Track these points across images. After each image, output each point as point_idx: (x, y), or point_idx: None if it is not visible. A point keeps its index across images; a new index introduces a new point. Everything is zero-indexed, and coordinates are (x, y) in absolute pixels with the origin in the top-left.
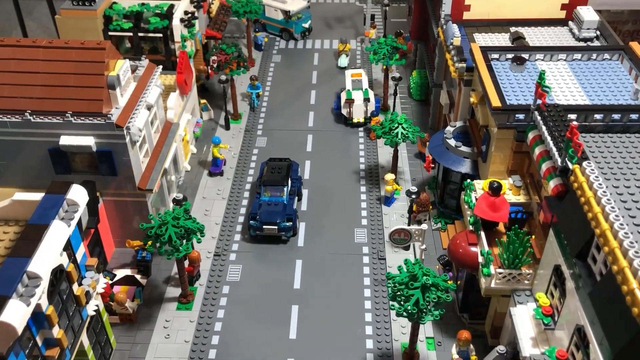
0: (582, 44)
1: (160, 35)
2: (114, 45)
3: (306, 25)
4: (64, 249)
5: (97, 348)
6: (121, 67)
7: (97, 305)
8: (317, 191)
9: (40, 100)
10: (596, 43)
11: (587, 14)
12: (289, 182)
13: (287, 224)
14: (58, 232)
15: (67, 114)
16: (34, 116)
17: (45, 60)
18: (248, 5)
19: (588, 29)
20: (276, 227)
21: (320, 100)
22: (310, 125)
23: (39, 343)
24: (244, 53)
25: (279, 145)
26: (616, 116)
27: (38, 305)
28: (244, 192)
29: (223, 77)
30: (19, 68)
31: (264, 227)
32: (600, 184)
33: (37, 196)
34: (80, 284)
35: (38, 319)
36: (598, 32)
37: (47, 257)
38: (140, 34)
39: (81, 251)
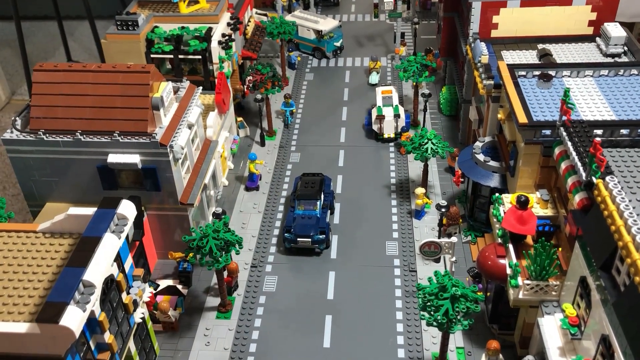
0: (609, 59)
1: (200, 57)
2: (155, 66)
3: (338, 44)
4: (114, 260)
5: (143, 354)
6: (164, 89)
7: (143, 313)
8: (349, 205)
9: (90, 120)
10: (623, 59)
11: (614, 30)
12: (322, 196)
13: (321, 236)
14: (109, 244)
15: (114, 134)
16: (84, 136)
17: (94, 83)
18: (282, 27)
19: (615, 45)
20: (310, 239)
21: (352, 117)
22: (342, 141)
23: (92, 347)
24: (278, 72)
25: (312, 161)
26: None
27: (92, 312)
28: (278, 206)
29: (259, 96)
30: (70, 91)
31: (298, 239)
32: (622, 198)
33: (90, 211)
34: (128, 293)
35: (91, 324)
36: (625, 48)
37: (100, 267)
38: (181, 56)
39: (129, 262)
